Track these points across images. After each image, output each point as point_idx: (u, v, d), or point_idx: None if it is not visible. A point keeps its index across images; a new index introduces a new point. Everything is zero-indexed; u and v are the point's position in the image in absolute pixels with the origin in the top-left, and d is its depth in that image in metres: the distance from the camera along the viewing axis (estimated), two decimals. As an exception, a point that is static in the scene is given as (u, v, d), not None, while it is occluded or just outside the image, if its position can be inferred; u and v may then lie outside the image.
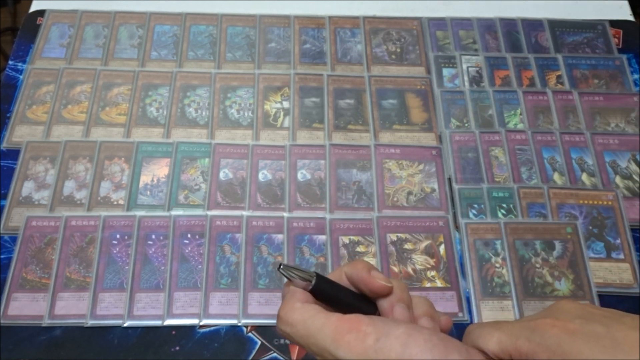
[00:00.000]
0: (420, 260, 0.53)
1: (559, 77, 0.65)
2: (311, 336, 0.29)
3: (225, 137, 0.60)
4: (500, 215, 0.55)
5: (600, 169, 0.58)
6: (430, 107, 0.62)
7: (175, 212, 0.54)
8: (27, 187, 0.56)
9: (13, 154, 0.58)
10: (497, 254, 0.53)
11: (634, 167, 0.58)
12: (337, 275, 0.33)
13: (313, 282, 0.30)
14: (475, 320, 0.50)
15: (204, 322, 0.49)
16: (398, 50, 0.67)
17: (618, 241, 0.54)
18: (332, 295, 0.31)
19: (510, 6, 0.71)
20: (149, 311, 0.49)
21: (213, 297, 0.50)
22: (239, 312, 0.49)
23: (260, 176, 0.57)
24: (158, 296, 0.50)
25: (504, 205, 0.56)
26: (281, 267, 0.31)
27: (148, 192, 0.56)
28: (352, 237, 0.53)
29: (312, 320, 0.30)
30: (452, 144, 0.59)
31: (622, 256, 0.53)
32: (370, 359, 0.27)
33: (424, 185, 0.57)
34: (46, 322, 0.49)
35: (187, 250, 0.52)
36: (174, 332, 0.49)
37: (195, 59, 0.65)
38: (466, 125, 0.61)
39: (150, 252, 0.52)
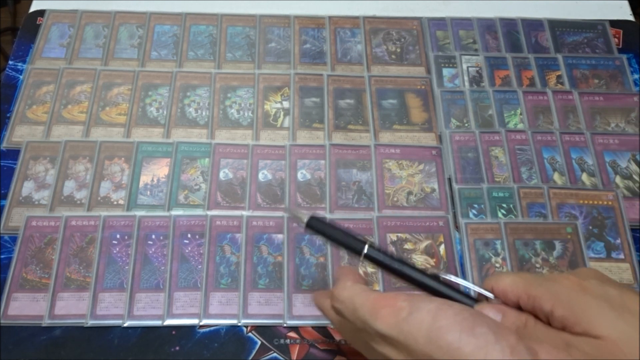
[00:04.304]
0: (420, 260, 0.53)
1: (559, 77, 0.65)
2: (356, 310, 0.32)
3: (225, 137, 0.60)
4: (500, 215, 0.55)
5: (600, 169, 0.58)
6: (430, 107, 0.62)
7: (175, 212, 0.54)
8: (27, 187, 0.56)
9: (13, 154, 0.58)
10: (497, 254, 0.53)
11: (634, 167, 0.59)
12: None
13: (305, 220, 0.37)
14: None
15: (204, 322, 0.49)
16: (398, 50, 0.67)
17: (618, 241, 0.54)
18: (326, 233, 0.37)
19: (510, 6, 0.71)
20: (149, 311, 0.49)
21: (213, 297, 0.50)
22: (239, 312, 0.49)
23: (260, 176, 0.57)
24: (158, 296, 0.50)
25: (504, 205, 0.56)
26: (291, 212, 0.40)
27: (148, 192, 0.56)
28: (352, 237, 0.53)
29: (357, 297, 0.33)
30: (452, 144, 0.59)
31: (622, 256, 0.53)
32: (403, 330, 0.29)
33: (424, 185, 0.57)
34: (46, 322, 0.49)
35: (187, 250, 0.52)
36: (174, 332, 0.49)
37: (195, 59, 0.65)
38: (466, 125, 0.61)
39: (150, 252, 0.52)
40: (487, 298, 0.32)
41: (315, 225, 0.37)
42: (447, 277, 0.34)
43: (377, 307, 0.31)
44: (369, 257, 0.36)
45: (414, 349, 0.29)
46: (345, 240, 0.36)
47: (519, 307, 0.31)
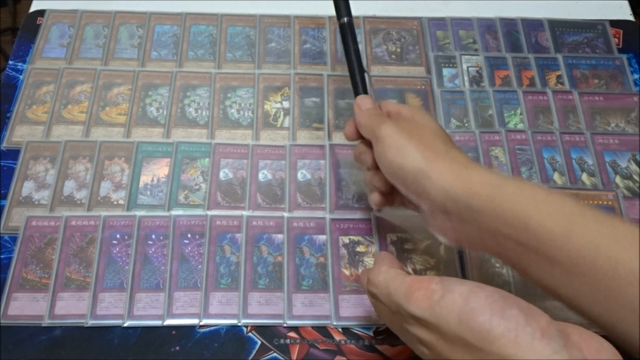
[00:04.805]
0: (420, 260, 0.53)
1: (559, 77, 0.65)
2: (390, 294, 0.34)
3: (225, 137, 0.60)
4: (500, 215, 0.55)
5: (600, 169, 0.58)
6: (430, 107, 0.62)
7: (175, 212, 0.54)
8: (27, 187, 0.56)
9: (13, 154, 0.58)
10: (497, 254, 0.53)
11: (634, 167, 0.59)
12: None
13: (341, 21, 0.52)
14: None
15: (204, 322, 0.49)
16: (398, 50, 0.67)
17: (618, 241, 0.54)
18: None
19: (510, 6, 0.71)
20: (149, 311, 0.49)
21: (213, 297, 0.50)
22: (239, 312, 0.49)
23: (260, 176, 0.57)
24: (158, 296, 0.50)
25: (504, 205, 0.56)
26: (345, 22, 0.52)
27: (148, 192, 0.56)
28: (352, 237, 0.53)
29: (392, 281, 0.34)
30: (452, 144, 0.59)
31: (622, 256, 0.53)
32: (435, 312, 0.30)
33: (424, 185, 0.57)
34: (46, 322, 0.49)
35: (187, 250, 0.52)
36: (174, 332, 0.49)
37: (195, 59, 0.65)
38: (466, 125, 0.61)
39: (150, 252, 0.52)
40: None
41: (344, 32, 0.52)
42: (368, 76, 0.51)
43: (411, 291, 0.32)
44: (342, 29, 0.51)
45: (445, 331, 0.30)
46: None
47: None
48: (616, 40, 0.69)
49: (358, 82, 0.50)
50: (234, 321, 0.49)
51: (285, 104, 0.62)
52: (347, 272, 0.52)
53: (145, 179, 0.57)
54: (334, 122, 0.61)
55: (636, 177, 0.58)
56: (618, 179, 0.58)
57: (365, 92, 0.50)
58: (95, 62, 0.65)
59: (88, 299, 0.50)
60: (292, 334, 0.49)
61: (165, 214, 0.54)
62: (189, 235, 0.53)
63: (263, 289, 0.51)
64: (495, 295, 0.29)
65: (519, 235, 0.33)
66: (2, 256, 0.52)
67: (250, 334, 0.49)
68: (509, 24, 0.69)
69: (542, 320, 0.28)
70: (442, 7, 0.71)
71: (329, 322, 0.49)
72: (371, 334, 0.49)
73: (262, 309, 0.50)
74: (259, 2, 0.71)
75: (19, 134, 0.59)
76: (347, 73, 0.65)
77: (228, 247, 0.53)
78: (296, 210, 0.55)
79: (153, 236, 0.53)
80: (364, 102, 0.47)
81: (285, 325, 0.49)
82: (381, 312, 0.38)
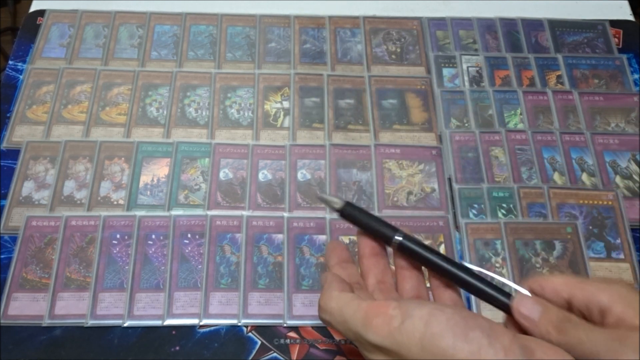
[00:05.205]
0: (420, 260, 0.53)
1: (559, 77, 0.65)
2: (346, 322, 0.31)
3: (225, 137, 0.60)
4: (500, 215, 0.55)
5: (600, 169, 0.58)
6: (430, 107, 0.62)
7: (175, 212, 0.54)
8: (27, 187, 0.56)
9: (13, 154, 0.58)
10: (497, 254, 0.53)
11: (634, 167, 0.58)
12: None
13: (338, 207, 0.35)
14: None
15: (204, 322, 0.49)
16: (398, 50, 0.67)
17: (618, 241, 0.54)
18: (359, 221, 0.35)
19: (510, 6, 0.71)
20: (149, 311, 0.49)
21: (213, 297, 0.50)
22: (239, 312, 0.49)
23: (260, 176, 0.57)
24: (158, 296, 0.50)
25: (504, 205, 0.56)
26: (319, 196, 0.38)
27: (148, 192, 0.56)
28: (352, 237, 0.53)
29: (346, 307, 0.32)
30: (452, 144, 0.59)
31: (622, 256, 0.53)
32: (396, 340, 0.29)
33: (424, 185, 0.57)
34: (46, 322, 0.49)
35: (187, 250, 0.52)
36: (174, 332, 0.49)
37: (195, 59, 0.65)
38: (466, 125, 0.61)
39: (150, 252, 0.52)
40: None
41: (350, 213, 0.35)
42: (482, 272, 0.34)
43: (369, 318, 0.30)
44: (402, 247, 0.34)
45: (407, 358, 0.29)
46: (379, 229, 0.35)
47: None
48: (616, 40, 0.69)
49: (487, 289, 0.33)
50: (234, 321, 0.49)
51: (285, 104, 0.62)
52: (347, 272, 0.52)
53: (145, 179, 0.57)
54: (334, 122, 0.61)
55: (636, 177, 0.58)
56: (618, 179, 0.58)
57: (508, 294, 0.32)
58: (95, 62, 0.65)
59: (88, 299, 0.50)
60: (292, 334, 0.49)
61: (165, 214, 0.54)
62: (189, 235, 0.53)
63: (263, 289, 0.51)
64: (456, 316, 0.28)
65: None
66: (2, 256, 0.52)
67: (250, 334, 0.49)
68: (509, 24, 0.69)
69: (505, 339, 0.27)
70: (442, 7, 0.71)
71: (329, 322, 0.49)
72: (371, 334, 0.49)
73: (262, 309, 0.50)
74: (259, 2, 0.71)
75: (19, 134, 0.59)
76: (346, 73, 0.65)
77: (228, 247, 0.53)
78: (296, 210, 0.55)
79: (153, 236, 0.53)
80: (526, 305, 0.31)
81: (285, 325, 0.49)
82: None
